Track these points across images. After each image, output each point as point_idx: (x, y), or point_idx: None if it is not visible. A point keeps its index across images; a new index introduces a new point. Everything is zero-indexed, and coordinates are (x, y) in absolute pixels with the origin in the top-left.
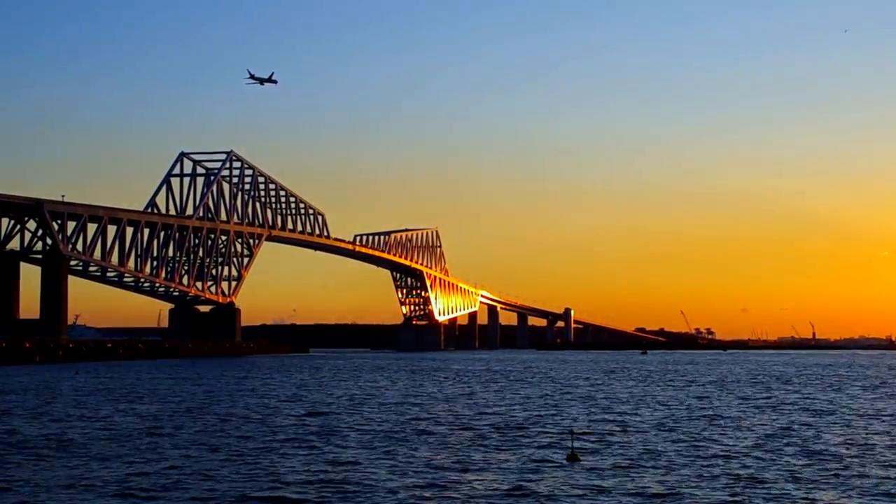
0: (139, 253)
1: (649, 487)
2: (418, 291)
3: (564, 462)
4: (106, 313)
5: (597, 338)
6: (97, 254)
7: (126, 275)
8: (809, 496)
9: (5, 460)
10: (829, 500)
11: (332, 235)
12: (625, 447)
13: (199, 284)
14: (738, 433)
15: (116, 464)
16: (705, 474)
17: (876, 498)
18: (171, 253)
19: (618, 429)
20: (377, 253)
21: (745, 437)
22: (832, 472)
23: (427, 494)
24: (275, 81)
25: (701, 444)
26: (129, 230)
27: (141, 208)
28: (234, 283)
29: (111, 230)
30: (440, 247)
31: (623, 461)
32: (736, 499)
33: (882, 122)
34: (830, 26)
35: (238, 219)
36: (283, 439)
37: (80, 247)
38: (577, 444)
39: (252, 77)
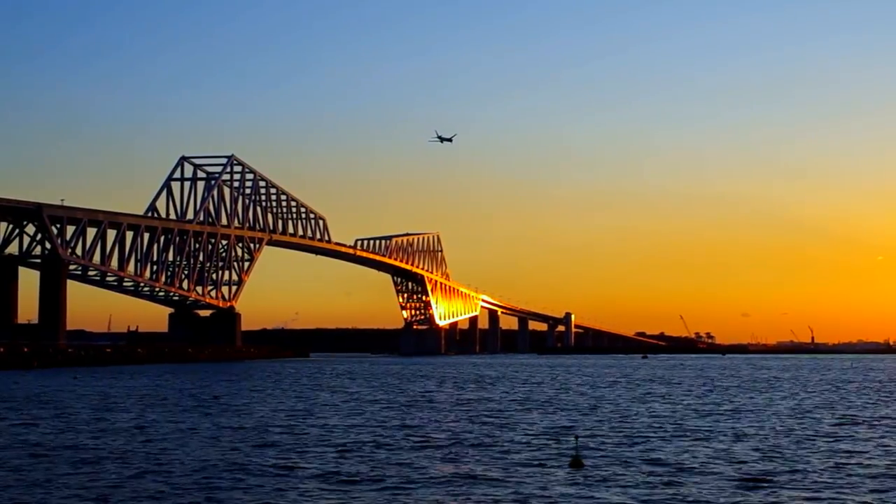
0: (139, 257)
1: (653, 493)
2: (419, 296)
3: (568, 468)
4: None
5: (597, 342)
6: (96, 258)
7: (125, 279)
8: (814, 498)
9: None
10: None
11: (333, 240)
12: (629, 452)
13: (199, 289)
14: (745, 438)
15: None
16: (711, 478)
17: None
18: (171, 257)
19: (622, 434)
20: (378, 257)
21: (753, 440)
22: (844, 476)
23: (429, 500)
24: (451, 140)
25: (707, 447)
26: (129, 234)
27: (141, 213)
28: (234, 288)
29: (111, 234)
30: (441, 251)
31: (627, 466)
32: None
33: (880, 128)
34: (831, 32)
35: (239, 223)
36: None
37: (79, 251)
38: (581, 450)
39: (438, 137)
